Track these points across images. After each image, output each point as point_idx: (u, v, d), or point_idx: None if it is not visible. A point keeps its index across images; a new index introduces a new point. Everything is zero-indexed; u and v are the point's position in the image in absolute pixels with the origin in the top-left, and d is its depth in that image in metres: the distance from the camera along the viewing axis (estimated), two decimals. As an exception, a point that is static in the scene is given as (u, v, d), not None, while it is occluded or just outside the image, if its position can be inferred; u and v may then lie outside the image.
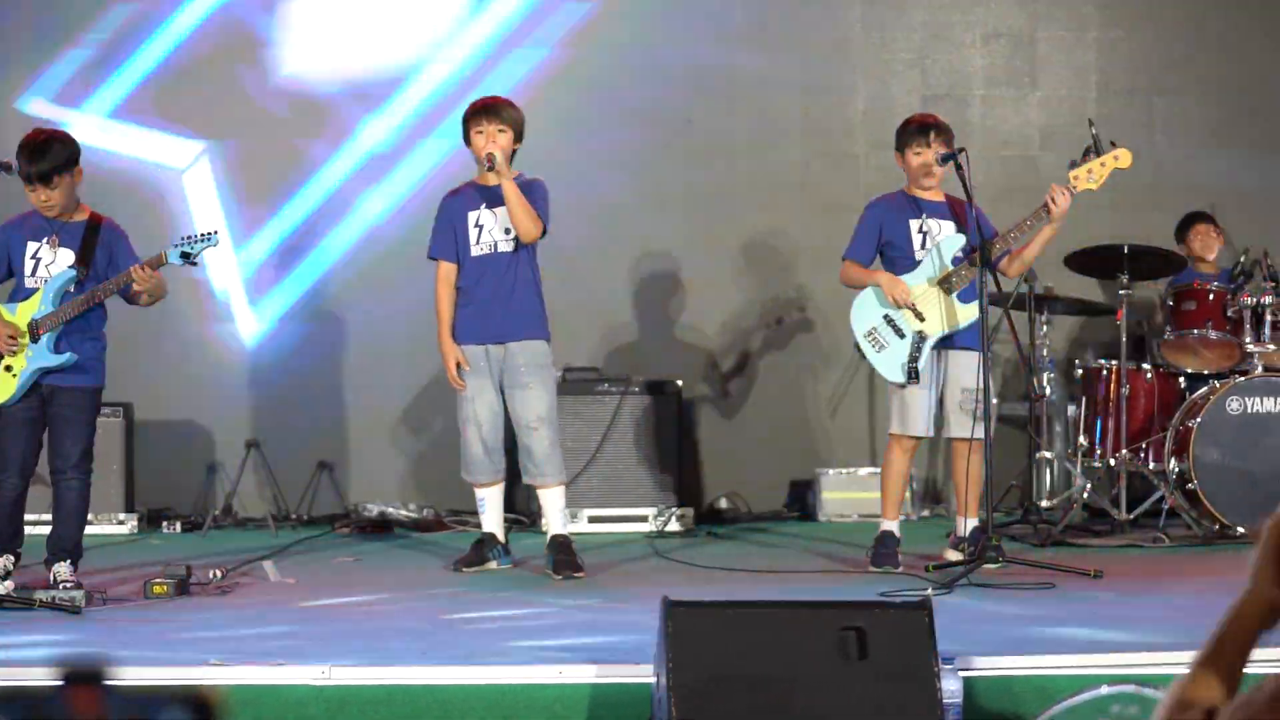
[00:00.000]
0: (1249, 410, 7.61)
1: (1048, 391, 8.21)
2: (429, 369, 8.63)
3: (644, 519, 8.40)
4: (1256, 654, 4.44)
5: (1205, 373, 7.99)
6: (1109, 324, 8.46)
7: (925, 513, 8.86)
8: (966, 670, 4.36)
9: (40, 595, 5.71)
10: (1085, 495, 7.85)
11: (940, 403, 6.73)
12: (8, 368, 6.08)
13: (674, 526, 8.32)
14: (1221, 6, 9.44)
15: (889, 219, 6.81)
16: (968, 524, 6.71)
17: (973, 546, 6.46)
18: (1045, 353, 8.19)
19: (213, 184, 9.10)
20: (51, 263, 6.14)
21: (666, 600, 4.15)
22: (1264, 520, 2.52)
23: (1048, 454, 8.32)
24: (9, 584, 5.96)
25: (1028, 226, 6.58)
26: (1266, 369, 7.69)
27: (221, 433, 9.12)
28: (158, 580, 6.03)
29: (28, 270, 6.16)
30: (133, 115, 9.09)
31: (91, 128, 8.77)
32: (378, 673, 4.49)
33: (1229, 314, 7.80)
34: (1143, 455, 7.91)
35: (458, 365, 6.78)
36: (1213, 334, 7.86)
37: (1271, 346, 7.69)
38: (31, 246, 6.16)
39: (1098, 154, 6.59)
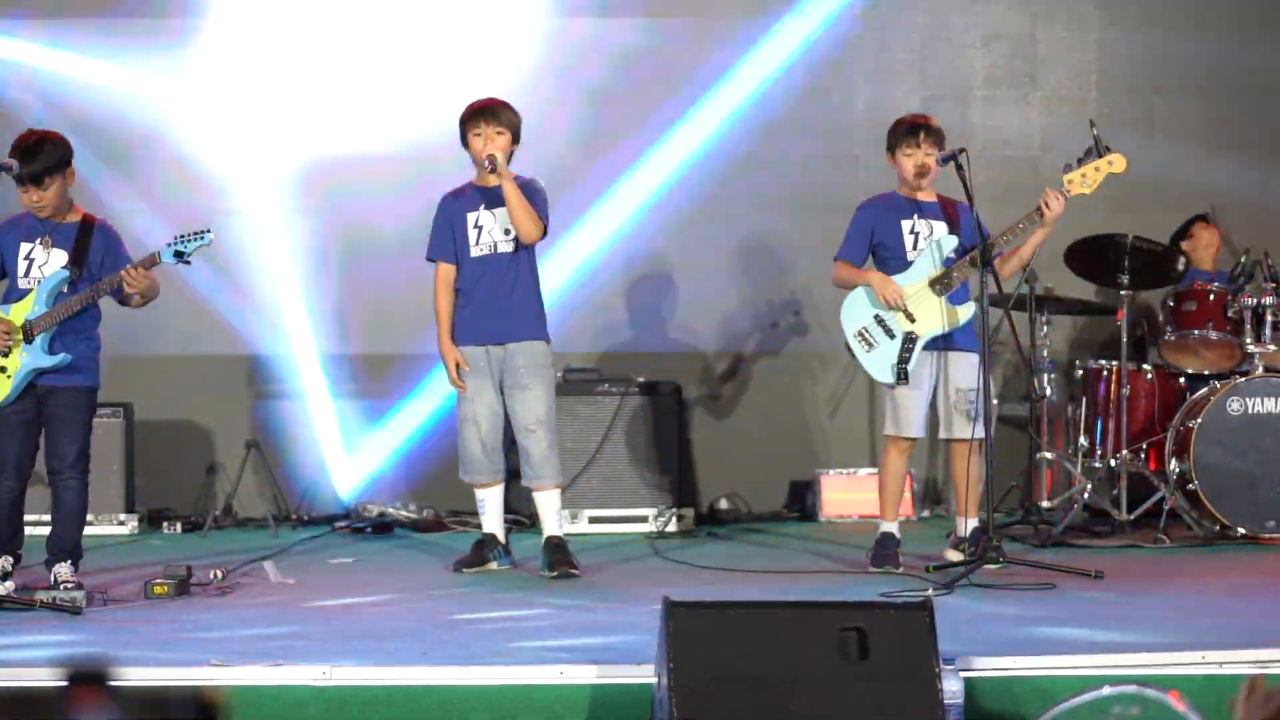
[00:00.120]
0: (1250, 411, 7.61)
1: (1048, 392, 8.21)
2: (429, 369, 8.65)
3: (644, 519, 8.40)
4: (1255, 655, 4.46)
5: (1206, 373, 8.00)
6: (1109, 324, 8.46)
7: (926, 513, 8.86)
8: (967, 671, 4.36)
9: (41, 596, 5.71)
10: (1086, 496, 7.84)
11: (933, 404, 6.73)
12: (1, 369, 6.08)
13: (674, 527, 8.32)
14: (1222, 6, 9.43)
15: (881, 220, 6.81)
16: (968, 524, 6.71)
17: (973, 547, 6.46)
18: (1046, 353, 8.19)
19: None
20: (45, 263, 6.14)
21: (667, 601, 4.14)
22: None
23: (1048, 454, 8.32)
24: (9, 585, 5.96)
25: (1020, 229, 6.58)
26: (1267, 369, 7.69)
27: (221, 433, 9.12)
28: (158, 581, 6.04)
29: (21, 271, 6.16)
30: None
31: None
32: (378, 673, 4.48)
33: (1229, 314, 7.80)
34: (1143, 456, 7.92)
35: (457, 366, 6.78)
36: (1213, 334, 7.86)
37: (1272, 347, 7.68)
38: (25, 247, 6.17)
39: (1099, 154, 6.59)
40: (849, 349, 6.74)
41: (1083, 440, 8.14)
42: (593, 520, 8.38)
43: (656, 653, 4.19)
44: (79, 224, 6.20)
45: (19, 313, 6.09)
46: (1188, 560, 7.05)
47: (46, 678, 4.38)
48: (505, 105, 6.78)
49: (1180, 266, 8.09)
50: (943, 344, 6.69)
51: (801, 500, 9.08)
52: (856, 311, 6.72)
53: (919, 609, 4.21)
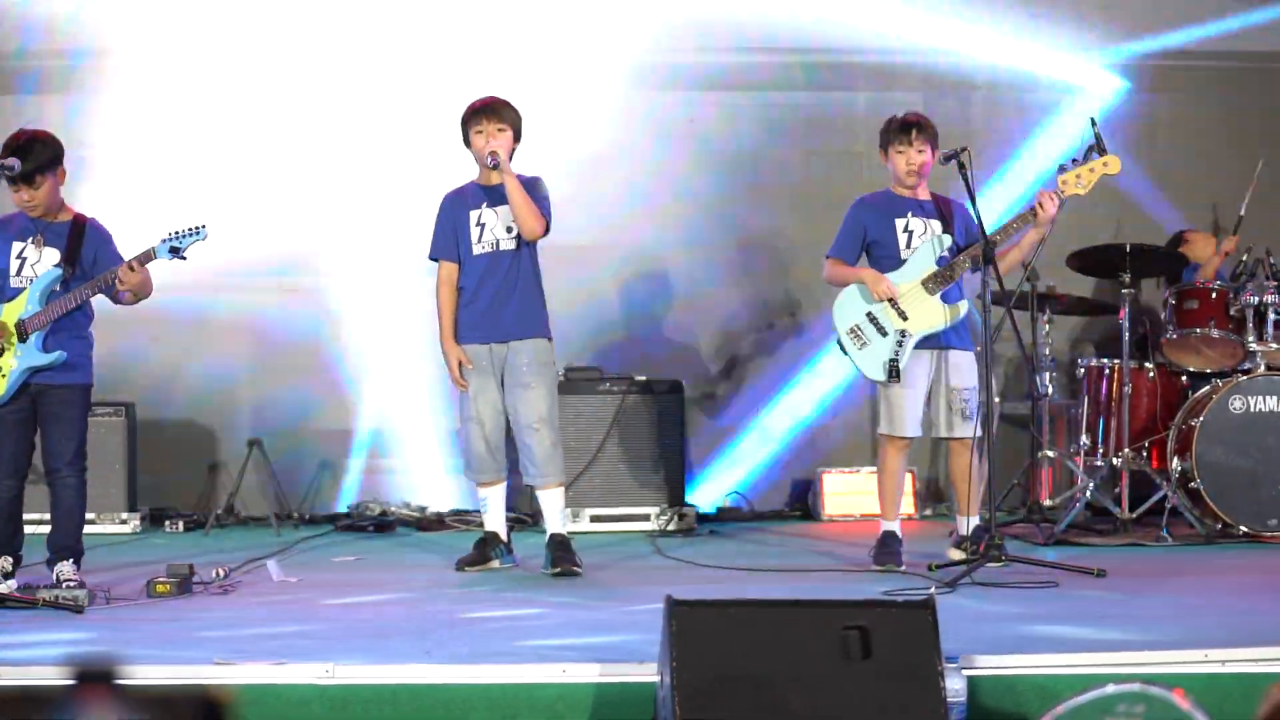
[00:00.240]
0: (1251, 409, 7.61)
1: (1050, 391, 8.21)
2: (431, 368, 8.64)
3: (646, 518, 8.40)
4: (1258, 653, 4.46)
5: (1208, 371, 8.00)
6: (1111, 323, 8.46)
7: (928, 512, 8.86)
8: (970, 669, 4.36)
9: (43, 594, 5.71)
10: (1088, 494, 7.84)
11: (927, 403, 6.73)
12: None
13: (675, 525, 8.32)
14: (1223, 5, 9.43)
15: (874, 218, 6.80)
16: (969, 523, 6.71)
17: (975, 546, 6.46)
18: (1047, 352, 8.19)
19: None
20: (37, 262, 6.14)
21: (670, 599, 4.14)
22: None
23: (1050, 453, 8.32)
24: (11, 584, 5.97)
25: (1014, 229, 6.58)
26: (1269, 368, 7.69)
27: (223, 432, 9.13)
28: (161, 579, 6.03)
29: (13, 270, 6.16)
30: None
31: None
32: (381, 672, 4.48)
33: (1231, 313, 7.80)
34: (1145, 454, 7.92)
35: (460, 364, 6.78)
36: (1215, 333, 7.86)
37: (1274, 345, 7.69)
38: (16, 246, 6.17)
39: (1100, 153, 6.59)
40: (841, 346, 6.74)
41: (1084, 438, 8.15)
42: (595, 519, 8.38)
43: (659, 651, 4.19)
44: (70, 223, 6.21)
45: (12, 312, 6.09)
46: (1190, 558, 7.05)
47: (51, 676, 4.38)
48: (506, 103, 6.78)
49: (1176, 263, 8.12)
50: (937, 343, 6.69)
51: (803, 499, 9.09)
52: (849, 309, 6.72)
53: (921, 607, 4.20)
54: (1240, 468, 7.57)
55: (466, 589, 6.36)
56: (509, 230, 6.73)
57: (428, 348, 8.60)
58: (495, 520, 6.91)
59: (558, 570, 6.56)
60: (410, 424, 9.13)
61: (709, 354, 9.33)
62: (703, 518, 8.65)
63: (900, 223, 6.76)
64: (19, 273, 6.16)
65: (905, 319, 6.63)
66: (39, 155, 6.07)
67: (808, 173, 9.27)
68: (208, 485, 9.10)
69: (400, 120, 9.16)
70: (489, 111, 6.74)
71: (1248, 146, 9.19)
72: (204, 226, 6.14)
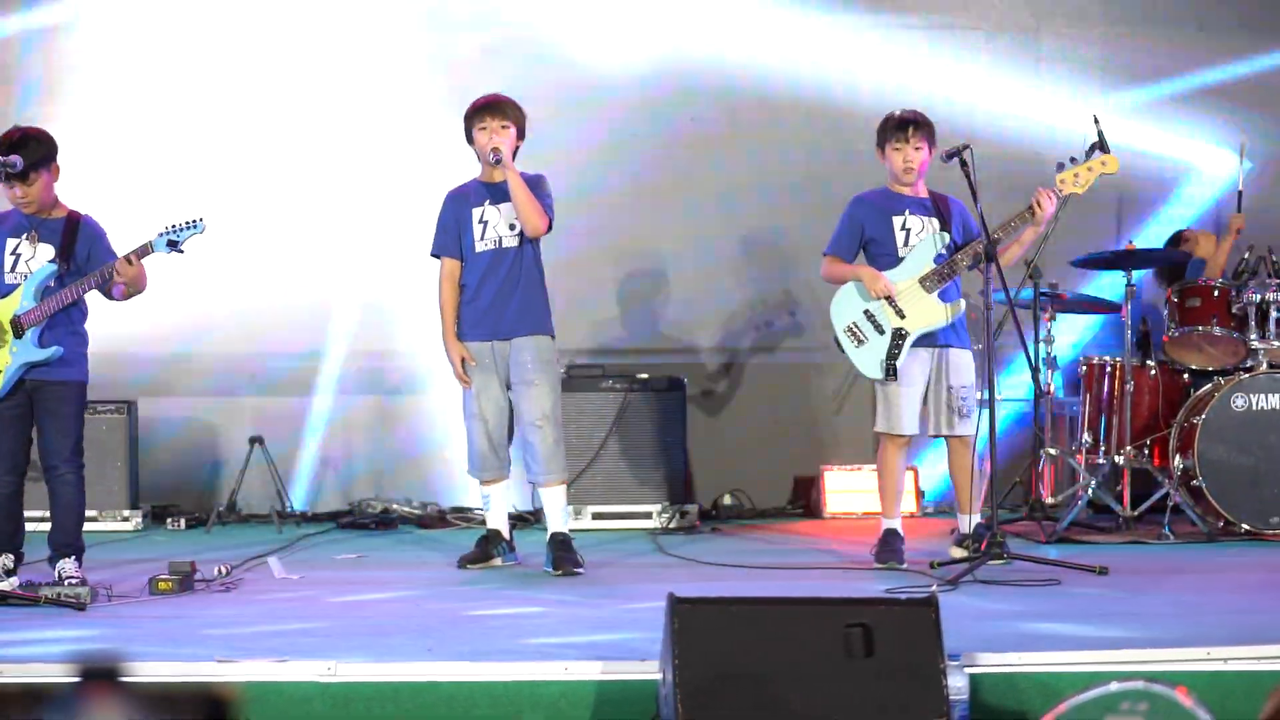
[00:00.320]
0: (1253, 407, 7.61)
1: (1052, 388, 8.21)
2: (433, 364, 8.64)
3: (648, 515, 8.40)
4: (1260, 651, 4.46)
5: (1210, 369, 8.00)
6: (1114, 321, 8.45)
7: (930, 509, 8.85)
8: (972, 667, 4.35)
9: (45, 592, 5.71)
10: (1090, 492, 7.84)
11: (925, 401, 6.72)
12: None
13: (677, 523, 8.31)
14: (1225, 4, 9.42)
15: (872, 215, 6.80)
16: (970, 521, 6.71)
17: (977, 543, 6.46)
18: (1050, 349, 8.19)
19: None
20: (31, 258, 6.15)
21: (672, 597, 4.14)
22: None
23: (1052, 450, 8.32)
24: (14, 581, 5.97)
25: (1012, 228, 6.57)
26: (1271, 366, 7.69)
27: (225, 429, 9.12)
28: (163, 577, 6.03)
29: (7, 266, 6.17)
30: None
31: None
32: (383, 669, 4.48)
33: (1233, 311, 7.79)
34: (1147, 452, 7.92)
35: (463, 362, 6.78)
36: (1217, 330, 7.86)
37: (1276, 343, 7.69)
38: (11, 243, 6.18)
39: (1103, 151, 6.58)
40: (838, 344, 6.74)
41: (1086, 436, 8.15)
42: (596, 516, 8.38)
43: (661, 649, 4.19)
44: (65, 219, 6.22)
45: (7, 308, 6.10)
46: (1191, 556, 7.05)
47: (53, 674, 4.38)
48: (510, 101, 6.78)
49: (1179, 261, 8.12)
50: (935, 341, 6.69)
51: (805, 496, 9.09)
52: (846, 307, 6.72)
53: (924, 605, 4.20)
54: (1242, 466, 7.57)
55: (468, 587, 6.36)
56: (512, 227, 6.73)
57: (431, 344, 8.62)
58: (498, 518, 6.91)
59: (560, 571, 6.56)
60: (412, 421, 9.13)
61: (709, 351, 9.32)
62: (704, 515, 8.65)
63: (898, 220, 6.75)
64: (13, 269, 6.17)
65: (903, 317, 6.63)
66: (33, 152, 6.08)
67: (810, 170, 9.26)
68: (209, 482, 9.10)
69: (403, 117, 9.15)
70: (492, 108, 6.73)
71: (1251, 144, 9.20)
72: (201, 219, 6.14)
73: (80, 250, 6.17)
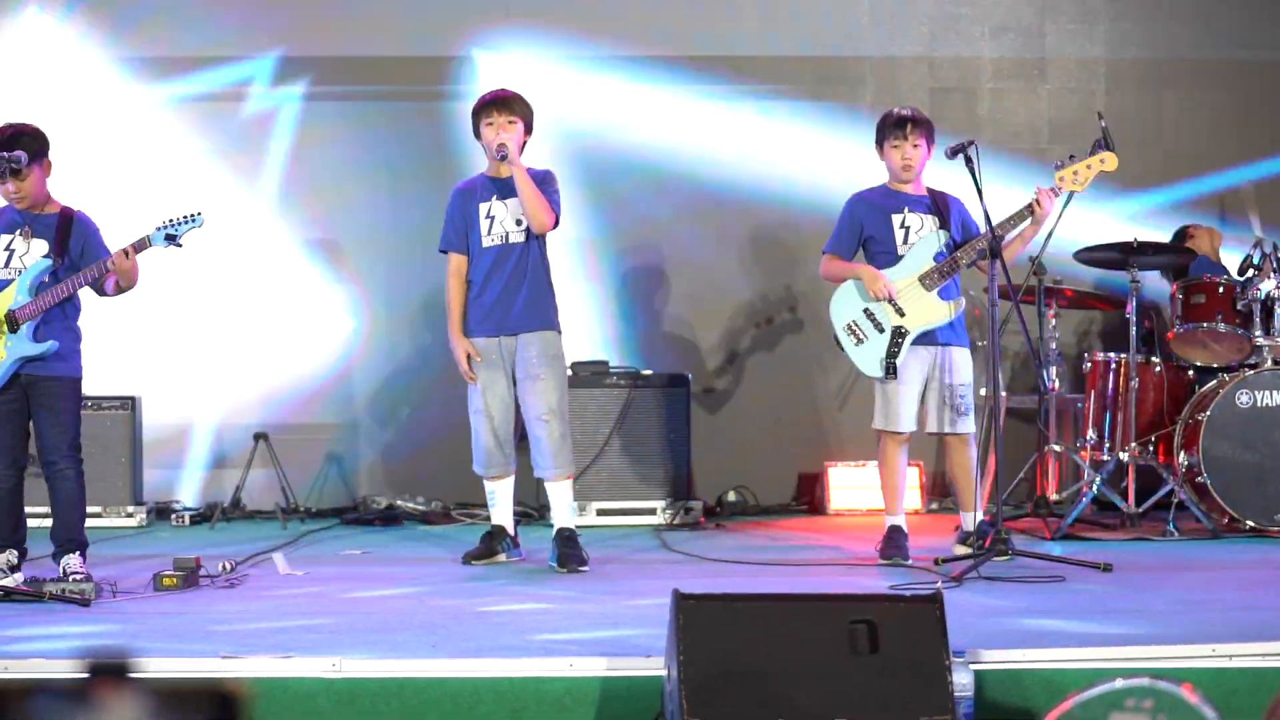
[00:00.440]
0: (1258, 404, 7.60)
1: (1056, 385, 8.20)
2: (438, 360, 8.64)
3: (652, 511, 8.40)
4: (1265, 648, 4.46)
5: (1214, 366, 7.99)
6: (1118, 317, 8.45)
7: (934, 506, 8.85)
8: (977, 664, 4.35)
9: (50, 588, 5.72)
10: (1094, 489, 7.84)
11: (923, 398, 6.72)
12: None
13: (682, 519, 8.31)
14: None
15: (871, 214, 6.79)
16: (975, 519, 6.71)
17: (980, 541, 6.46)
18: (1054, 346, 8.18)
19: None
20: (25, 254, 6.15)
21: (677, 593, 4.14)
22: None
23: (1056, 447, 8.31)
24: (18, 577, 5.98)
25: (1011, 225, 6.57)
26: (1276, 362, 7.68)
27: (230, 425, 9.13)
28: (167, 573, 6.03)
29: (1, 262, 6.17)
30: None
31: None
32: (388, 665, 4.48)
33: (1238, 307, 7.79)
34: (1152, 449, 7.91)
35: (469, 357, 6.78)
36: (1222, 327, 7.85)
37: (1281, 340, 7.68)
38: (4, 239, 6.18)
39: (1107, 148, 6.58)
40: (837, 342, 6.74)
41: (1091, 433, 8.14)
42: (601, 512, 8.38)
43: (666, 645, 4.19)
44: (58, 215, 6.22)
45: (1, 303, 6.10)
46: (1196, 553, 7.05)
47: (58, 670, 4.39)
48: (518, 96, 6.78)
49: (1183, 260, 8.10)
50: (933, 339, 6.68)
51: (810, 493, 9.08)
52: (846, 305, 6.72)
53: (929, 602, 4.20)
54: (1247, 462, 7.56)
55: (473, 583, 6.35)
56: (518, 223, 6.73)
57: (436, 340, 8.63)
58: (503, 514, 6.91)
59: (565, 568, 6.56)
60: (416, 417, 9.13)
61: (711, 348, 9.32)
62: (708, 511, 8.65)
63: (897, 218, 6.75)
64: (7, 264, 6.17)
65: (902, 315, 6.63)
66: (26, 148, 6.08)
67: (812, 167, 9.25)
68: (213, 479, 9.10)
69: (413, 111, 9.15)
70: (499, 104, 6.72)
71: (1253, 143, 9.20)
72: (200, 213, 6.15)
73: (74, 245, 6.18)
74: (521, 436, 6.91)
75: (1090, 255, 8.06)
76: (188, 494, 8.99)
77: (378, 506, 8.77)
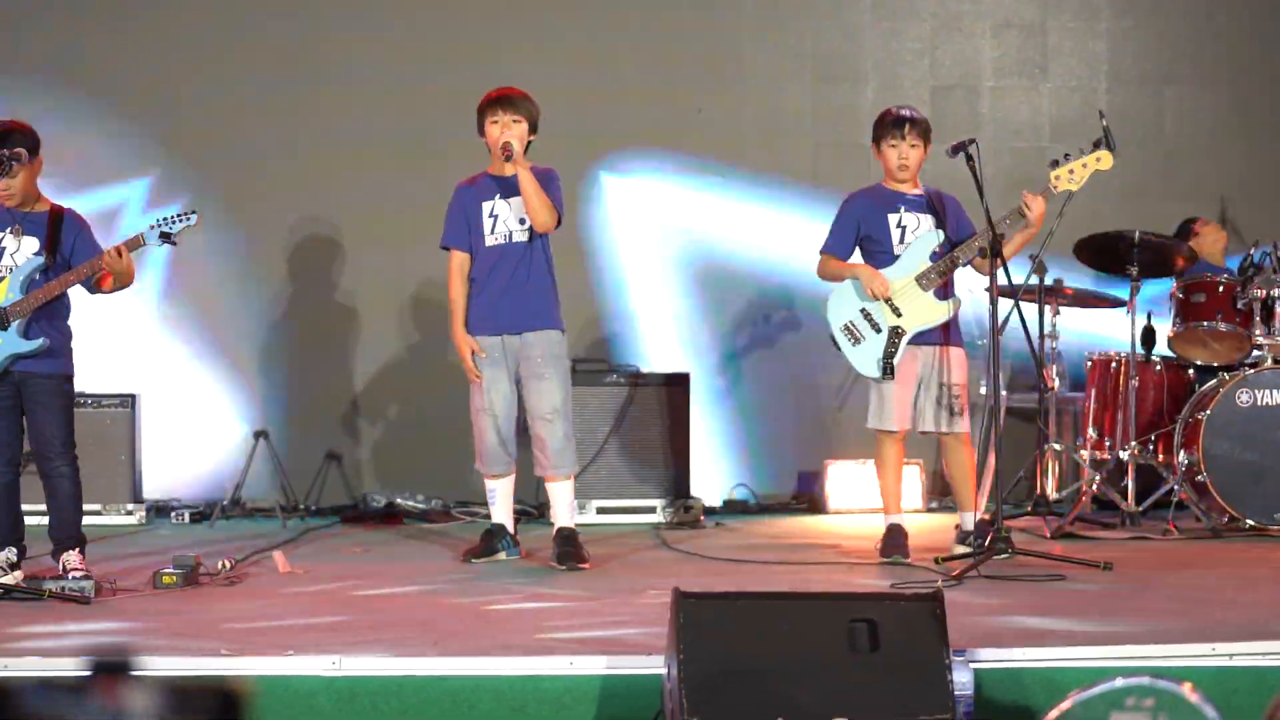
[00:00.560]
0: (1258, 402, 7.59)
1: (1057, 384, 8.20)
2: (439, 359, 8.65)
3: (653, 510, 8.41)
4: (1265, 647, 4.46)
5: (1215, 365, 7.99)
6: (1119, 316, 8.44)
7: (934, 504, 8.85)
8: (976, 662, 4.35)
9: (49, 585, 5.71)
10: (1094, 487, 7.83)
11: (916, 399, 6.71)
12: None
13: (682, 518, 8.31)
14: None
15: (867, 213, 6.79)
16: (974, 518, 6.71)
17: (980, 540, 6.46)
18: (1055, 345, 8.18)
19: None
20: (16, 251, 6.15)
21: (677, 591, 4.14)
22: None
23: (1057, 446, 8.31)
24: (18, 574, 5.98)
25: (1006, 224, 6.55)
26: (1276, 361, 7.67)
27: (230, 423, 9.13)
28: (167, 571, 6.03)
29: None
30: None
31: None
32: (388, 663, 4.48)
33: (1239, 306, 7.78)
34: (1152, 447, 7.91)
35: (472, 355, 6.77)
36: (1222, 326, 7.85)
37: (1281, 338, 7.68)
38: None
39: (1109, 146, 6.57)
40: (835, 343, 6.74)
41: (1091, 432, 8.14)
42: (601, 511, 8.38)
43: (666, 644, 4.18)
44: (48, 212, 6.22)
45: None
46: (1196, 552, 7.04)
47: (58, 667, 4.39)
48: (524, 95, 6.76)
49: (1185, 257, 8.08)
50: (929, 339, 6.68)
51: (810, 491, 9.08)
52: (843, 305, 6.71)
53: (929, 600, 4.19)
54: (1247, 461, 7.56)
55: (473, 581, 6.35)
56: (522, 222, 6.72)
57: (437, 337, 8.63)
58: (503, 512, 6.91)
59: (565, 566, 6.56)
60: (417, 415, 9.13)
61: (718, 346, 9.32)
62: (708, 510, 8.65)
63: (893, 218, 6.74)
64: None
65: (899, 315, 6.62)
66: (18, 144, 6.08)
67: (813, 165, 9.26)
68: (213, 476, 9.10)
69: (412, 110, 9.15)
70: (505, 102, 6.71)
71: (1256, 139, 9.20)
72: (194, 212, 6.15)
73: (65, 243, 6.18)
74: (521, 433, 6.91)
75: (1089, 252, 8.05)
76: (187, 492, 8.98)
77: (378, 504, 8.77)
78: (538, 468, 6.84)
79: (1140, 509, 7.71)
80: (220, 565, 6.29)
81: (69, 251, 6.18)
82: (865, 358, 6.67)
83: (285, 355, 9.17)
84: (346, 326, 9.19)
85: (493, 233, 6.77)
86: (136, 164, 9.05)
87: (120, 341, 8.82)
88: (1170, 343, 8.08)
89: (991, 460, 6.41)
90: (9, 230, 6.17)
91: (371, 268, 9.17)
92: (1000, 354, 6.43)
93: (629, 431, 8.48)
